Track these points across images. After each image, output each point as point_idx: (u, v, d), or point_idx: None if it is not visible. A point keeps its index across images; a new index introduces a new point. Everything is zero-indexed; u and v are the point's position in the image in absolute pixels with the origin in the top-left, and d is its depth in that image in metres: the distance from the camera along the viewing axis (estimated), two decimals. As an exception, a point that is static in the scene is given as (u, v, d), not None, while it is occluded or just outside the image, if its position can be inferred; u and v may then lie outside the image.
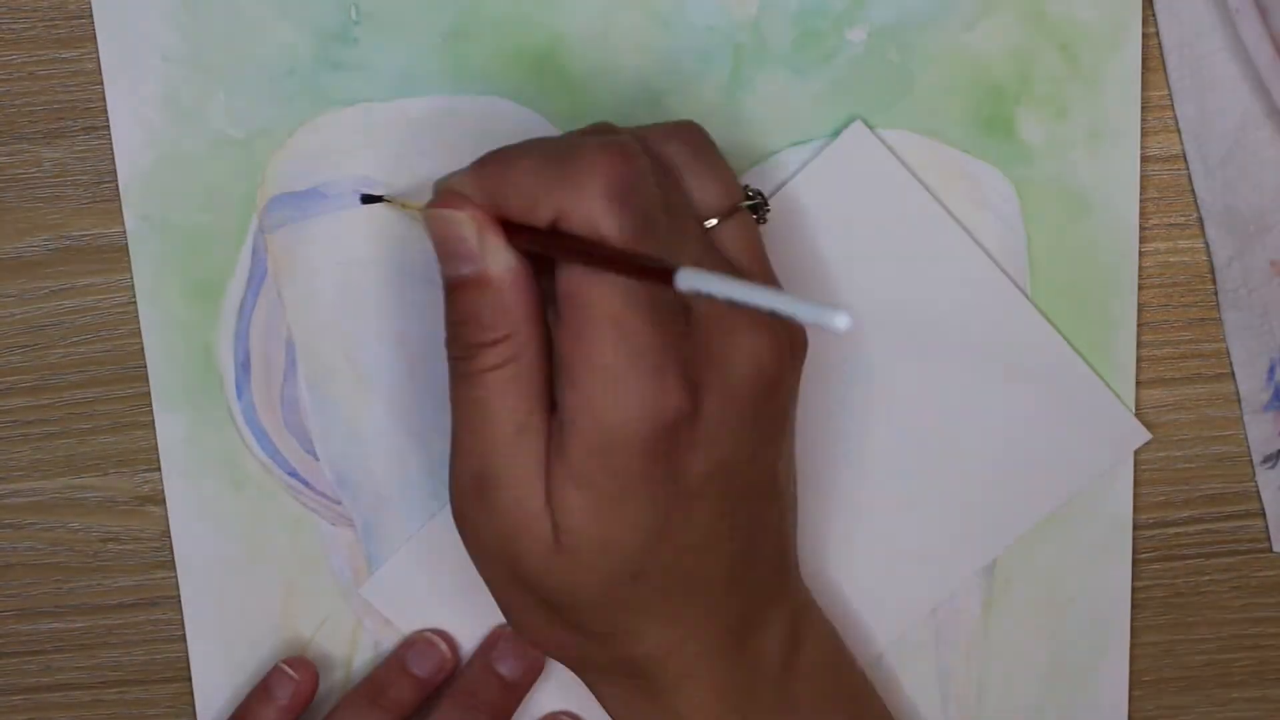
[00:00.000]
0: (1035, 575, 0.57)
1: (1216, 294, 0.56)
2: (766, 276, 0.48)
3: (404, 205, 0.52)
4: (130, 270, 0.54)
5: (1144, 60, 0.54)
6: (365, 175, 0.54)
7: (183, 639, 0.57)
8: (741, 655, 0.49)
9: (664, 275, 0.38)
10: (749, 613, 0.49)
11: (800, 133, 0.54)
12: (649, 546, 0.45)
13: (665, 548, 0.46)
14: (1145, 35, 0.53)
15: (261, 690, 0.56)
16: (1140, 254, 0.55)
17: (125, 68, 0.53)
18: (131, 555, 0.57)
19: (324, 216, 0.54)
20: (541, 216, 0.43)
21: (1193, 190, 0.55)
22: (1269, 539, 0.58)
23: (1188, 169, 0.55)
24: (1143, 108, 0.54)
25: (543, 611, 0.48)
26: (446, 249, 0.45)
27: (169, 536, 0.57)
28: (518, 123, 0.53)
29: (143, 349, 0.55)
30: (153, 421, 0.55)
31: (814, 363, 0.49)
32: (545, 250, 0.44)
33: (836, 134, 0.53)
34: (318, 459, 0.56)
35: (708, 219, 0.46)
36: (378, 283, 0.54)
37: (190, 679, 0.58)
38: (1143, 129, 0.54)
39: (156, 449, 0.56)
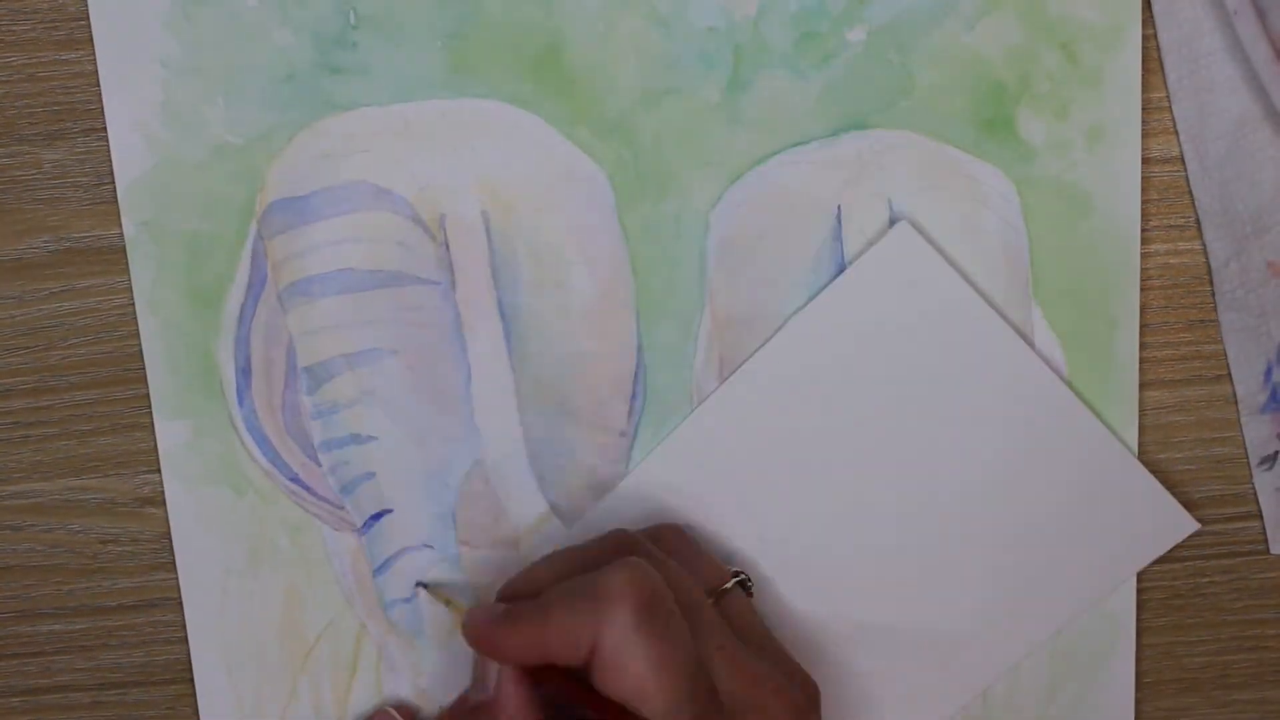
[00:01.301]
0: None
1: (1214, 295, 0.56)
2: (767, 640, 0.51)
3: (448, 603, 0.55)
4: (130, 272, 0.54)
5: (1144, 60, 0.53)
6: (364, 180, 0.53)
7: (182, 641, 0.57)
8: None
9: None
10: None
11: (801, 133, 0.54)
12: None
13: None
14: (1145, 36, 0.53)
15: None
16: (1140, 255, 0.55)
17: (123, 74, 0.53)
18: (131, 557, 0.57)
19: (324, 221, 0.54)
20: (580, 651, 0.46)
21: (1190, 191, 0.55)
22: (1266, 541, 0.58)
23: (1181, 154, 0.55)
24: (1143, 108, 0.54)
25: None
26: (476, 671, 0.50)
27: (169, 538, 0.57)
28: (517, 126, 0.53)
29: (141, 354, 0.55)
30: (153, 423, 0.55)
31: (870, 460, 0.52)
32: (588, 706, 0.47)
33: (835, 134, 0.53)
34: (319, 464, 0.55)
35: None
36: (378, 287, 0.54)
37: (190, 680, 0.58)
38: (1143, 130, 0.54)
39: (156, 450, 0.56)
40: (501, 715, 0.48)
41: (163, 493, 0.56)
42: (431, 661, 0.57)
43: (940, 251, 0.54)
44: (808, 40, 0.53)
